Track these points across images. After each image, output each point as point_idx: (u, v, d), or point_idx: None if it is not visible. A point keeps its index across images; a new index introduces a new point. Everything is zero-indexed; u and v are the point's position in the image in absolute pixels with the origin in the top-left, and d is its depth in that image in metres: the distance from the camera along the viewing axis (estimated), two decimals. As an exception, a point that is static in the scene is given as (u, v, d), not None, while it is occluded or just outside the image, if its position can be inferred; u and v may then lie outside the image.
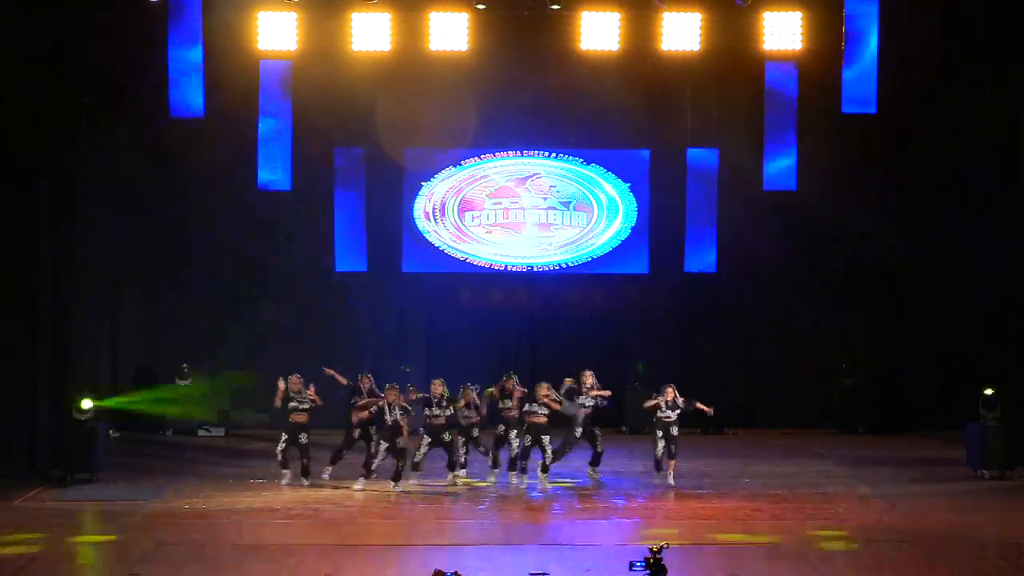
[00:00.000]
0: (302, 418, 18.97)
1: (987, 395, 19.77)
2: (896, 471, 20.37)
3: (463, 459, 19.33)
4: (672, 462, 19.08)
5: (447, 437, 18.97)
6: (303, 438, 18.92)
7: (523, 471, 19.02)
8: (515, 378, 19.43)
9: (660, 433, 19.08)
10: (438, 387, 19.00)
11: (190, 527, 16.81)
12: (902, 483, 19.46)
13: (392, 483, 18.61)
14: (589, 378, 19.32)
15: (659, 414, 19.09)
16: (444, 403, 18.93)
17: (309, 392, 19.13)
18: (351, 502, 18.21)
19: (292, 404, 18.95)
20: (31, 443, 20.41)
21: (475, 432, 19.31)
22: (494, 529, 16.81)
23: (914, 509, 17.63)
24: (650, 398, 19.39)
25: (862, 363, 23.85)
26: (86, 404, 19.39)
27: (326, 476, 19.22)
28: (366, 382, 19.50)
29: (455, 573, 10.46)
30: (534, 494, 18.61)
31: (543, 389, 18.91)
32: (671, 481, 18.97)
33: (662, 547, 10.38)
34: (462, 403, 19.14)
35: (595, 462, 19.50)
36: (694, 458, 21.13)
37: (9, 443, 20.20)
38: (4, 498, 18.12)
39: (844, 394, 23.85)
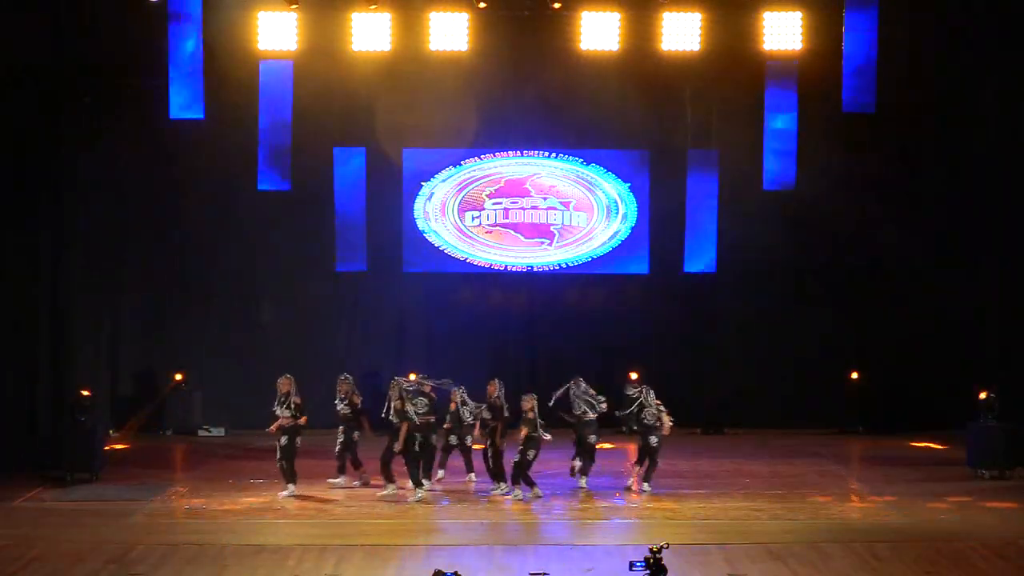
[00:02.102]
0: (286, 422, 18.46)
1: (983, 400, 19.76)
2: (896, 471, 20.37)
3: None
4: (652, 470, 18.78)
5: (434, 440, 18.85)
6: (283, 440, 18.45)
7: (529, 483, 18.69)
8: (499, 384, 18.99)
9: (640, 438, 18.90)
10: (426, 387, 18.91)
11: (190, 527, 16.81)
12: (902, 483, 19.46)
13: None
14: (581, 383, 19.11)
15: (643, 417, 18.76)
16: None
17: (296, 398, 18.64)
18: (351, 502, 18.20)
19: (277, 408, 18.43)
20: (31, 443, 20.42)
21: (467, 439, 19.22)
22: (494, 529, 16.81)
23: (914, 509, 17.63)
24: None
25: (862, 362, 23.84)
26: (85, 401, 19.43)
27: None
28: (344, 386, 19.06)
29: (455, 573, 10.46)
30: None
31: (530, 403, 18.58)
32: (645, 487, 18.62)
33: (662, 547, 10.38)
34: (452, 406, 19.11)
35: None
36: (694, 458, 21.16)
37: (9, 443, 20.21)
38: (4, 498, 18.12)
39: (844, 394, 23.81)
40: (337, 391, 19.00)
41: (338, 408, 18.92)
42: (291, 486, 18.47)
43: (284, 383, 18.59)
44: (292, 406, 18.43)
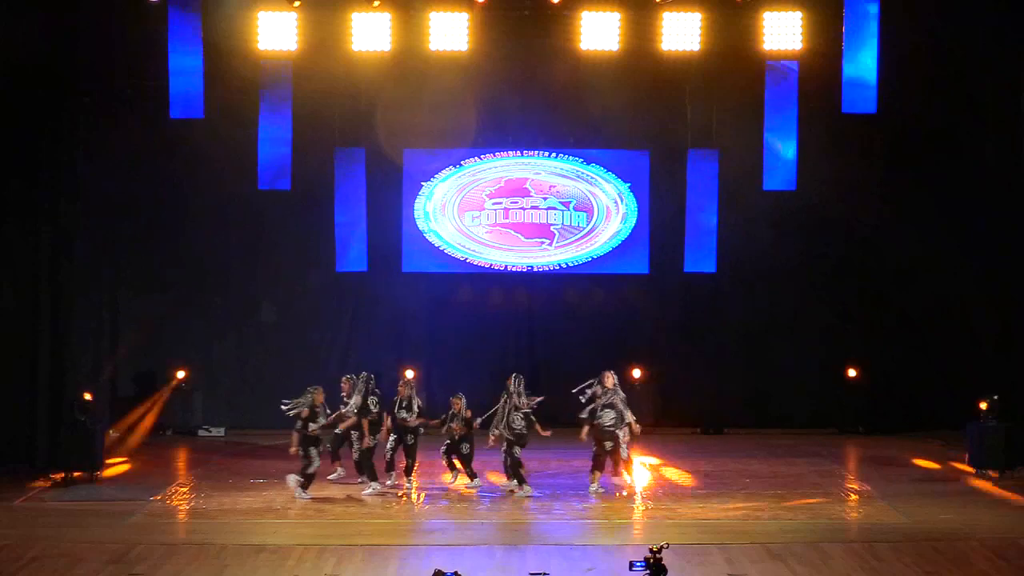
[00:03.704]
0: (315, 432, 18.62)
1: (983, 408, 19.76)
2: (896, 471, 20.38)
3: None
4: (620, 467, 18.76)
5: (411, 440, 18.89)
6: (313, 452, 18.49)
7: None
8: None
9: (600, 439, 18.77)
10: (404, 390, 18.93)
11: (190, 527, 16.82)
12: (902, 483, 19.47)
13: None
14: (610, 379, 18.90)
15: (599, 420, 18.68)
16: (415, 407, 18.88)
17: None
18: (351, 502, 18.22)
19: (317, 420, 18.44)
20: (31, 443, 20.42)
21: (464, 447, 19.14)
22: (494, 529, 16.82)
23: (914, 509, 17.63)
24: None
25: (862, 363, 23.83)
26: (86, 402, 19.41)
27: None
28: (347, 384, 19.11)
29: (455, 573, 10.46)
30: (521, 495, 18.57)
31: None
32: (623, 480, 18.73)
33: (662, 547, 10.39)
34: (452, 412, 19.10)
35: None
36: (694, 458, 21.17)
37: (9, 443, 20.21)
38: (4, 498, 18.13)
39: (844, 394, 23.83)
40: (341, 390, 19.09)
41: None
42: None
43: (322, 394, 18.48)
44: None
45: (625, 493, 18.71)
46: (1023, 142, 21.85)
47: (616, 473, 18.93)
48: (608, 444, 18.68)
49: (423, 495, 18.61)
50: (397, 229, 23.78)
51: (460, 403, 18.84)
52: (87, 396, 19.65)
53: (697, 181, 23.30)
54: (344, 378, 19.30)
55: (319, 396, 18.36)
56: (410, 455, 18.85)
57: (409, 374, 20.50)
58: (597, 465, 18.78)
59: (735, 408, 23.83)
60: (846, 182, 23.29)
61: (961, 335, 23.24)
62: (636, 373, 23.24)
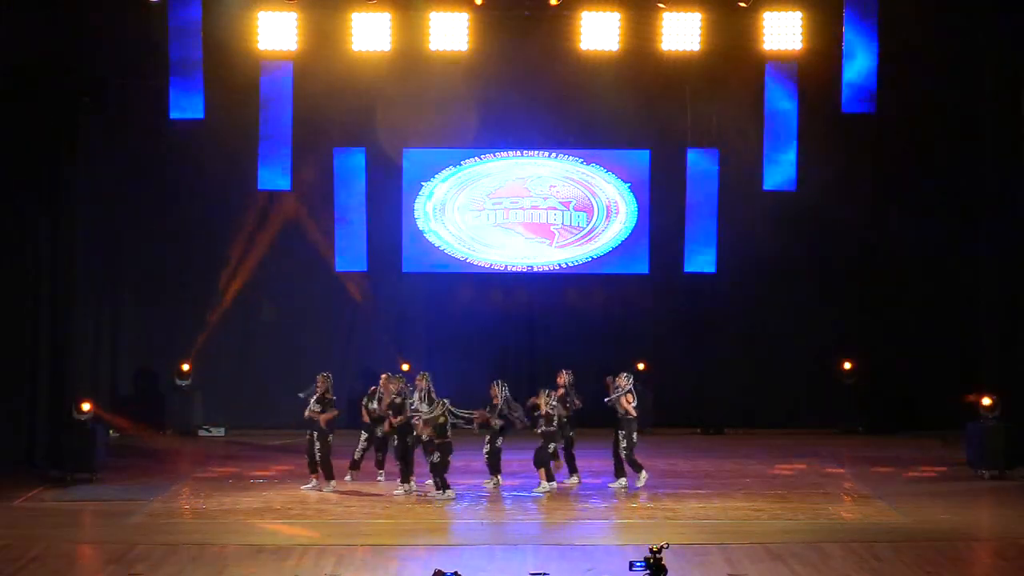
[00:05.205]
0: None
1: (983, 407, 19.77)
2: (896, 471, 20.38)
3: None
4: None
5: (379, 432, 18.95)
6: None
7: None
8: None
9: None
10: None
11: (190, 527, 16.81)
12: (902, 483, 19.47)
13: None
14: (622, 379, 18.85)
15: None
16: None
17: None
18: (351, 502, 18.21)
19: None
20: (31, 443, 20.42)
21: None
22: (494, 529, 16.82)
23: (914, 509, 17.62)
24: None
25: (862, 363, 23.83)
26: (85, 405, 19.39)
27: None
28: (321, 382, 18.92)
29: (455, 573, 10.45)
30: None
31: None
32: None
33: (662, 547, 10.38)
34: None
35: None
36: (694, 458, 21.16)
37: (9, 443, 20.20)
38: (4, 498, 18.12)
39: (844, 394, 23.84)
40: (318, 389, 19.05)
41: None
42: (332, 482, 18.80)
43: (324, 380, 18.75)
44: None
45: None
46: (1023, 141, 21.85)
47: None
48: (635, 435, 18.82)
49: (423, 495, 18.61)
50: (397, 229, 23.78)
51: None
52: (85, 406, 19.47)
53: (697, 181, 23.33)
54: (384, 376, 19.14)
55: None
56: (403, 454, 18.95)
57: (405, 367, 20.47)
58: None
59: (735, 408, 23.83)
60: (846, 182, 23.29)
61: (961, 335, 23.22)
62: (640, 367, 23.19)
